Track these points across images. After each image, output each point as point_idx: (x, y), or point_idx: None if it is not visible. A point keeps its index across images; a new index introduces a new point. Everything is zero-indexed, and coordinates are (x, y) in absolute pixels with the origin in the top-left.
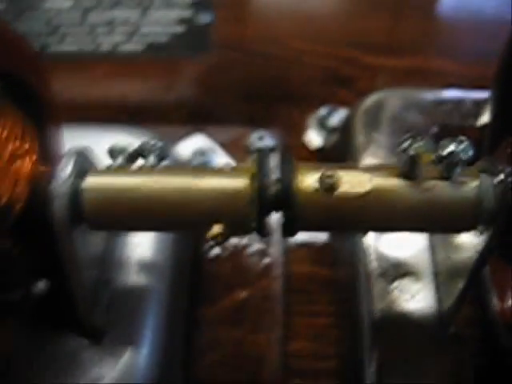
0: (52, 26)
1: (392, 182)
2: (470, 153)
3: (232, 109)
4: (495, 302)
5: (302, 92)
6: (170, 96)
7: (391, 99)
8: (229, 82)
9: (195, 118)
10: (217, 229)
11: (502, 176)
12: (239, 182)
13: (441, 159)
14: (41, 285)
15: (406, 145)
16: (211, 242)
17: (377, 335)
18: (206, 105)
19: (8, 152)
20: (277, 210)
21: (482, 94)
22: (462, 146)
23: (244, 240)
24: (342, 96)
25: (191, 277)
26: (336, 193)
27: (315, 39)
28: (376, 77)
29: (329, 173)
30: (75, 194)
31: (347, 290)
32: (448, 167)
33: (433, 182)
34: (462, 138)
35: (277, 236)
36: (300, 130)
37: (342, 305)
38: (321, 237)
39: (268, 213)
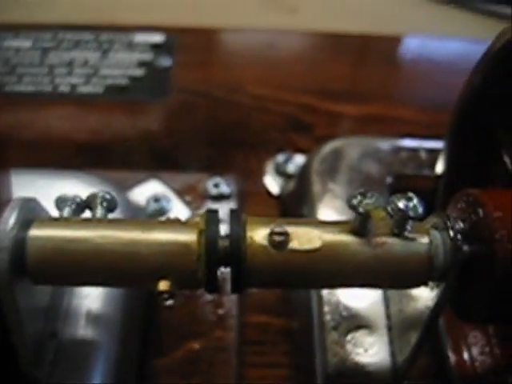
0: (10, 65)
1: (342, 239)
2: (420, 210)
3: (191, 154)
4: (451, 353)
5: (261, 138)
6: (128, 139)
7: (348, 147)
8: (188, 127)
9: (154, 162)
10: (163, 285)
11: (452, 232)
12: (187, 238)
13: (391, 216)
14: None
15: (355, 202)
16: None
17: None
18: (165, 149)
19: None
20: (225, 266)
21: (439, 144)
22: (411, 204)
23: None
24: (300, 143)
25: (143, 326)
26: (285, 249)
27: (276, 85)
28: (335, 124)
29: (278, 229)
30: (18, 247)
31: (302, 341)
32: (398, 223)
33: (383, 239)
34: (411, 194)
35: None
36: (258, 176)
37: (297, 356)
38: None
39: (216, 269)
